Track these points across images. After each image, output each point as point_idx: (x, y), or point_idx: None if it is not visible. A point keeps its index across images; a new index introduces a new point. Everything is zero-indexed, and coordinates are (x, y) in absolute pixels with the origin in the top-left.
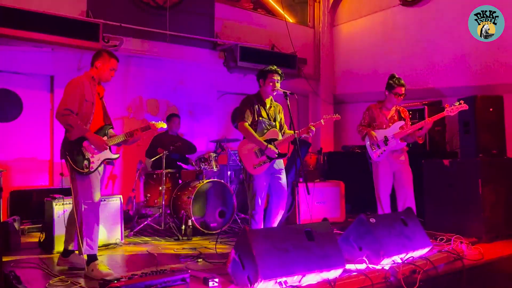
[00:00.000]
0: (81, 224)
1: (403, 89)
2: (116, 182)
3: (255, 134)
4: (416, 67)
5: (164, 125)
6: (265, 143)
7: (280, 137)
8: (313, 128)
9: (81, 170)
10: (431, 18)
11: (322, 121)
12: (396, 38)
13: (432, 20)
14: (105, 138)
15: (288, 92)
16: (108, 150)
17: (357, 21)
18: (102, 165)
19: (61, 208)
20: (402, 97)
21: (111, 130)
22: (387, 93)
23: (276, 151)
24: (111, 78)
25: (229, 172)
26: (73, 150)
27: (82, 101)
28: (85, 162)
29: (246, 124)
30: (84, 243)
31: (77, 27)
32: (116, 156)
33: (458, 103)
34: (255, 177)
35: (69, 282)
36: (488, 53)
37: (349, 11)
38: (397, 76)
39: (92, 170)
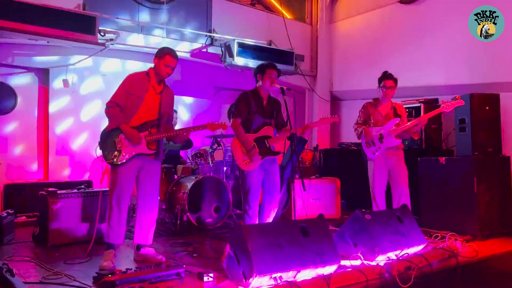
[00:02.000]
0: (104, 211)
1: (390, 82)
2: None
3: (243, 134)
4: (413, 64)
5: (225, 127)
6: (252, 145)
7: (275, 135)
8: (309, 128)
9: (108, 161)
10: (429, 16)
11: (319, 121)
12: (394, 36)
13: (429, 18)
14: (145, 133)
15: (285, 88)
16: (144, 145)
17: (355, 18)
18: (151, 161)
19: (55, 202)
20: (390, 90)
21: (168, 126)
22: (378, 88)
23: (259, 157)
24: (167, 74)
25: (225, 168)
26: (105, 140)
27: (128, 95)
28: (116, 153)
29: (238, 121)
30: (107, 229)
31: (73, 20)
32: (151, 152)
33: (455, 98)
34: (248, 172)
35: (63, 275)
36: (485, 51)
37: (347, 8)
38: (388, 72)
39: (121, 162)
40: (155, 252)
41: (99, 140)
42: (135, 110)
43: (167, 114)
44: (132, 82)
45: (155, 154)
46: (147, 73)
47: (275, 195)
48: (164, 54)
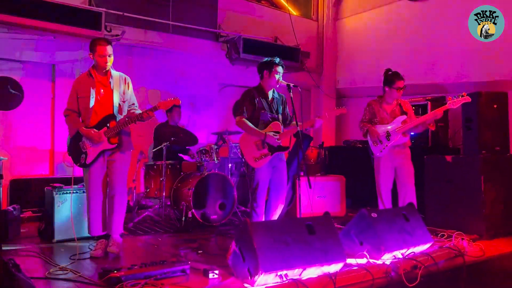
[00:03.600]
0: (87, 209)
1: (403, 82)
2: None
3: (251, 127)
4: (419, 62)
5: (178, 102)
6: (263, 132)
7: (282, 130)
8: (317, 120)
9: (78, 164)
10: (436, 13)
11: (326, 114)
12: (400, 33)
13: (437, 15)
14: (104, 129)
15: (291, 84)
16: (105, 141)
17: (361, 15)
18: (120, 155)
19: (61, 198)
20: (402, 91)
21: (130, 114)
22: (387, 88)
23: (277, 136)
24: (106, 64)
25: (230, 165)
26: (71, 146)
27: (78, 98)
28: (83, 155)
29: (243, 119)
30: (89, 225)
31: (79, 16)
32: (112, 146)
33: (461, 95)
34: (257, 170)
35: (69, 271)
36: (493, 49)
37: (354, 4)
38: (393, 70)
39: (89, 162)
40: (118, 235)
41: (67, 148)
42: (90, 110)
43: (124, 102)
44: (77, 86)
45: (118, 146)
46: (88, 72)
47: (282, 192)
48: (94, 46)
